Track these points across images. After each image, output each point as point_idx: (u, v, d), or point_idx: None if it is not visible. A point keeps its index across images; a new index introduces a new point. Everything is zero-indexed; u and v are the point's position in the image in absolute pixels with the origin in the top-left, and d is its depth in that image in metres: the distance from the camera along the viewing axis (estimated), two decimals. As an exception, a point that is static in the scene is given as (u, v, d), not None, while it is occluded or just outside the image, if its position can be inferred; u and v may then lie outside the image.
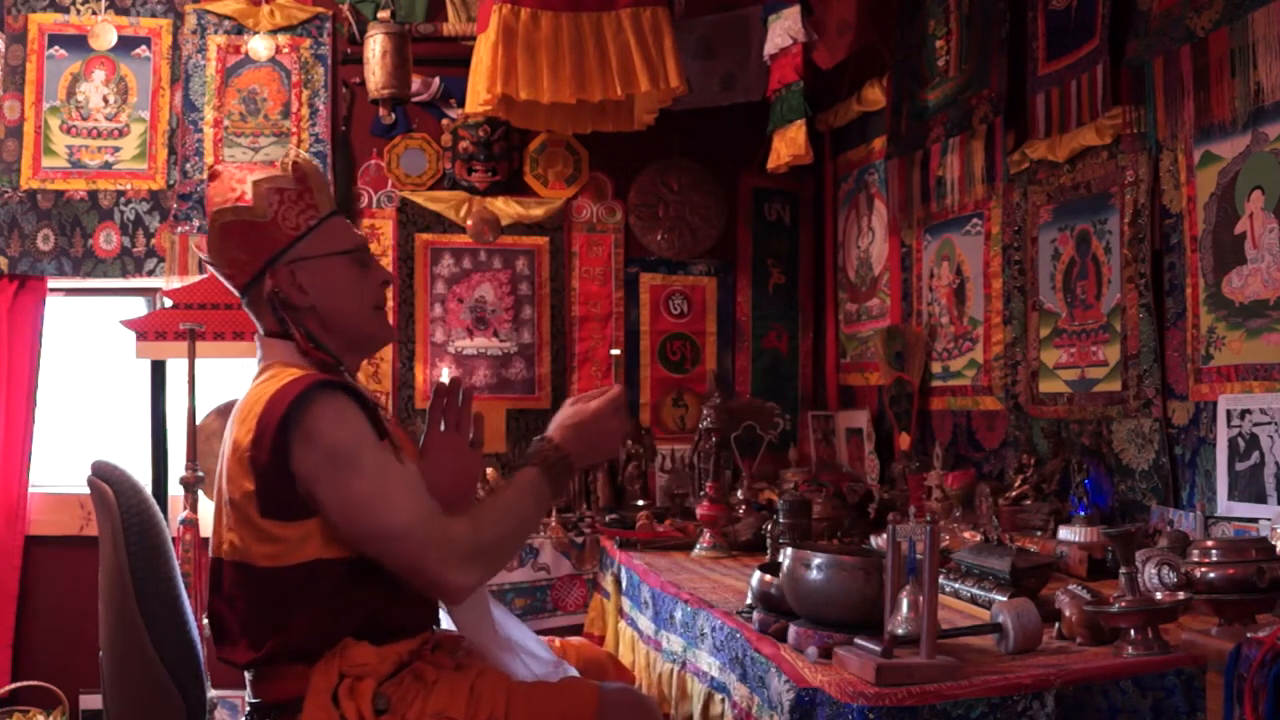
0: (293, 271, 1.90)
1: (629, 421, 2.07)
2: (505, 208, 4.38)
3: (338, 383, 1.84)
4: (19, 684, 3.81)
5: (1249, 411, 2.55)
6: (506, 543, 1.91)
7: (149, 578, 1.90)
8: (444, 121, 4.39)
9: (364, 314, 1.97)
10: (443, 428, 2.10)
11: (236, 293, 1.98)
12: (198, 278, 3.88)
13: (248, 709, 1.90)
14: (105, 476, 1.97)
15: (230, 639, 1.86)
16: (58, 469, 4.10)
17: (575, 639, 2.28)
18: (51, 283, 4.06)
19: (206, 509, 2.88)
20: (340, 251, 1.95)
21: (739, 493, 3.49)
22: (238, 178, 1.93)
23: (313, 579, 1.79)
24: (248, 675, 1.89)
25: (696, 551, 3.16)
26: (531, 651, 2.03)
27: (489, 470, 4.03)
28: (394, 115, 4.34)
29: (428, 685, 1.84)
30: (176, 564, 2.03)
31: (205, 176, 3.62)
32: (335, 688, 1.78)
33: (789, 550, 1.99)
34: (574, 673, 2.03)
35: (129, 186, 4.12)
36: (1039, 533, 2.88)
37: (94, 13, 4.14)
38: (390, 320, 4.29)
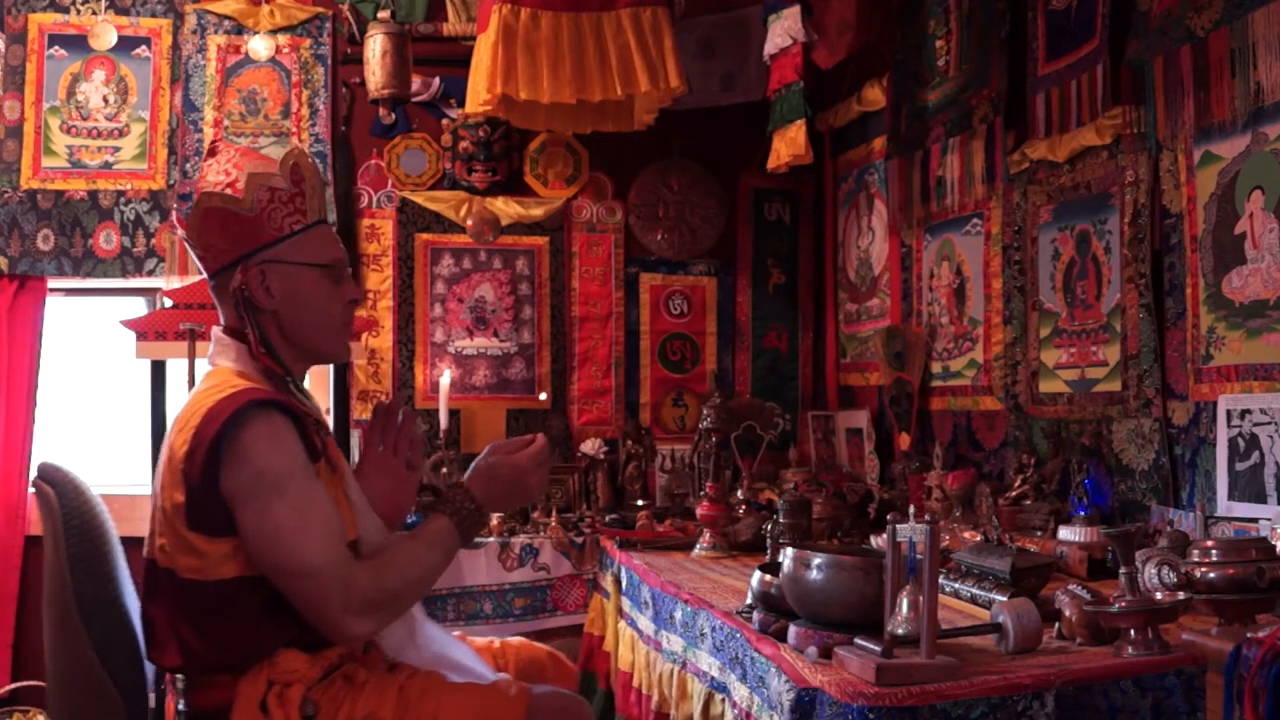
0: (264, 272, 1.88)
1: (548, 474, 2.06)
2: (505, 208, 4.38)
3: (277, 402, 1.81)
4: (19, 684, 3.81)
5: (1249, 411, 2.55)
6: (410, 592, 1.88)
7: (89, 579, 1.90)
8: (444, 121, 4.39)
9: (326, 330, 1.95)
10: (380, 448, 2.11)
11: (206, 276, 1.96)
12: (198, 278, 3.87)
13: (179, 716, 1.90)
14: (48, 478, 1.96)
15: (159, 643, 1.85)
16: (58, 469, 4.10)
17: (515, 639, 2.25)
18: (51, 283, 4.05)
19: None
20: (316, 264, 1.92)
21: (739, 493, 3.49)
22: (235, 163, 1.89)
23: (237, 594, 1.78)
24: (179, 681, 1.89)
25: (696, 551, 3.16)
26: (468, 668, 1.99)
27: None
28: (394, 115, 4.34)
29: (357, 687, 1.83)
30: (122, 566, 2.02)
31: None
32: (264, 695, 1.77)
33: (789, 550, 1.99)
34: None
35: (129, 186, 4.11)
36: (1039, 533, 2.88)
37: (94, 13, 4.13)
38: (392, 320, 4.29)
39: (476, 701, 1.86)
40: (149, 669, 2.04)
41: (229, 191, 1.87)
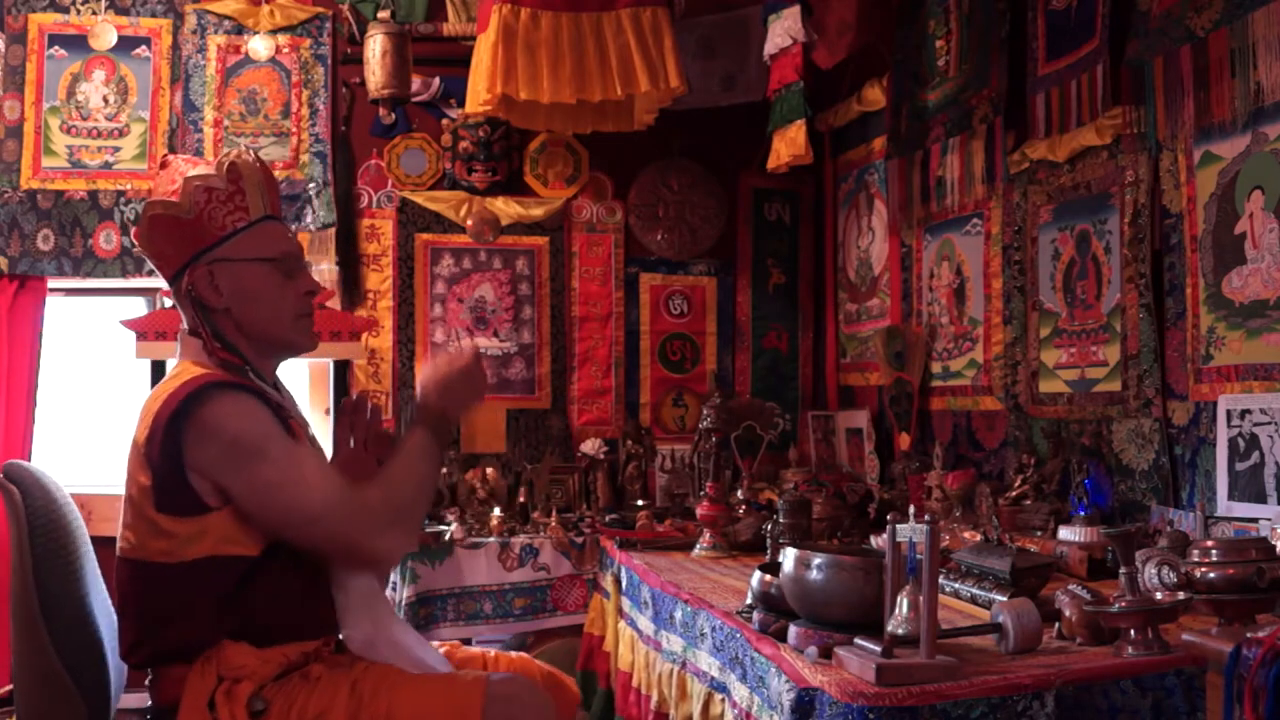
0: (211, 271, 1.91)
1: (484, 370, 2.14)
2: (505, 208, 4.38)
3: (237, 382, 1.86)
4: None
5: (1249, 411, 2.55)
6: (417, 502, 1.97)
7: (53, 578, 1.91)
8: (444, 121, 4.39)
9: (280, 322, 1.97)
10: (351, 444, 2.12)
11: (166, 284, 2.00)
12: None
13: (147, 714, 1.91)
14: (14, 478, 1.97)
15: (129, 641, 1.87)
16: (57, 469, 4.09)
17: (514, 654, 2.22)
18: (51, 283, 4.05)
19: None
20: (262, 258, 1.94)
21: (739, 493, 3.49)
22: (181, 171, 1.94)
23: (204, 576, 1.80)
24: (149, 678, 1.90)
25: (696, 551, 3.16)
26: (433, 669, 1.97)
27: (489, 470, 4.03)
28: (394, 115, 4.34)
29: (311, 683, 1.83)
30: (91, 567, 2.02)
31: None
32: (213, 692, 1.77)
33: (789, 550, 1.99)
34: None
35: (129, 186, 4.11)
36: (1039, 533, 2.88)
37: (94, 13, 4.13)
38: (392, 320, 4.29)
39: (431, 693, 1.84)
40: (114, 670, 2.03)
41: (169, 198, 1.91)
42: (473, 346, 2.14)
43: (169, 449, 1.78)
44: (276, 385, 2.06)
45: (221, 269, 1.92)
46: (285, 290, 1.97)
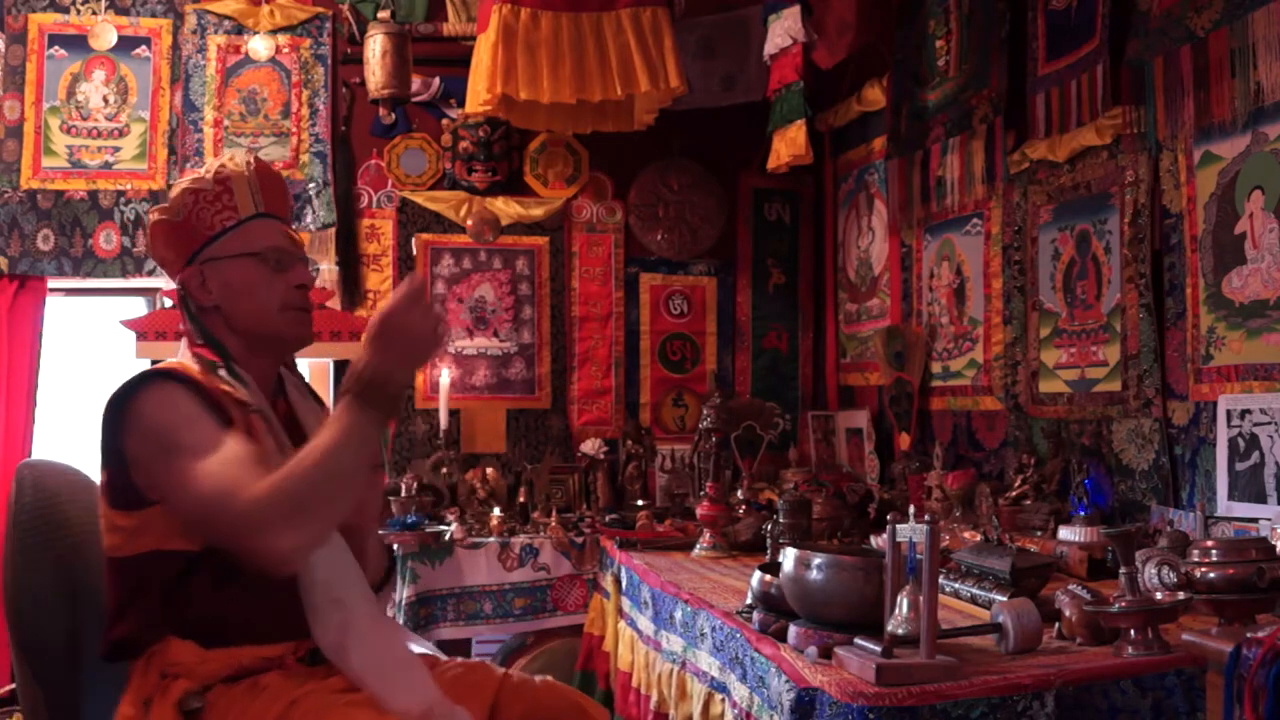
0: (202, 271, 1.93)
1: (435, 309, 1.75)
2: (505, 208, 4.38)
3: (174, 372, 1.85)
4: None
5: (1249, 411, 2.55)
6: (325, 490, 1.66)
7: (31, 576, 1.92)
8: (444, 121, 4.39)
9: (267, 314, 1.94)
10: None
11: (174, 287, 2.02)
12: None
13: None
14: (18, 474, 1.99)
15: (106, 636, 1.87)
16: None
17: (541, 679, 2.07)
18: (51, 283, 4.05)
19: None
20: (248, 253, 1.94)
21: (739, 493, 3.49)
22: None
23: (149, 571, 1.78)
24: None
25: (696, 551, 3.16)
26: (409, 679, 1.84)
27: (489, 470, 4.03)
28: (394, 115, 4.34)
29: (258, 692, 1.76)
30: (89, 568, 2.02)
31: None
32: (152, 691, 1.74)
33: (789, 550, 1.99)
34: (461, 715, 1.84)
35: (129, 186, 4.11)
36: (1039, 533, 2.88)
37: (94, 13, 4.13)
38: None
39: None
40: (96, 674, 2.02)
41: (166, 203, 1.95)
42: (418, 277, 1.81)
43: (108, 443, 1.81)
44: (281, 384, 2.03)
45: (212, 268, 1.93)
46: (273, 283, 1.95)
